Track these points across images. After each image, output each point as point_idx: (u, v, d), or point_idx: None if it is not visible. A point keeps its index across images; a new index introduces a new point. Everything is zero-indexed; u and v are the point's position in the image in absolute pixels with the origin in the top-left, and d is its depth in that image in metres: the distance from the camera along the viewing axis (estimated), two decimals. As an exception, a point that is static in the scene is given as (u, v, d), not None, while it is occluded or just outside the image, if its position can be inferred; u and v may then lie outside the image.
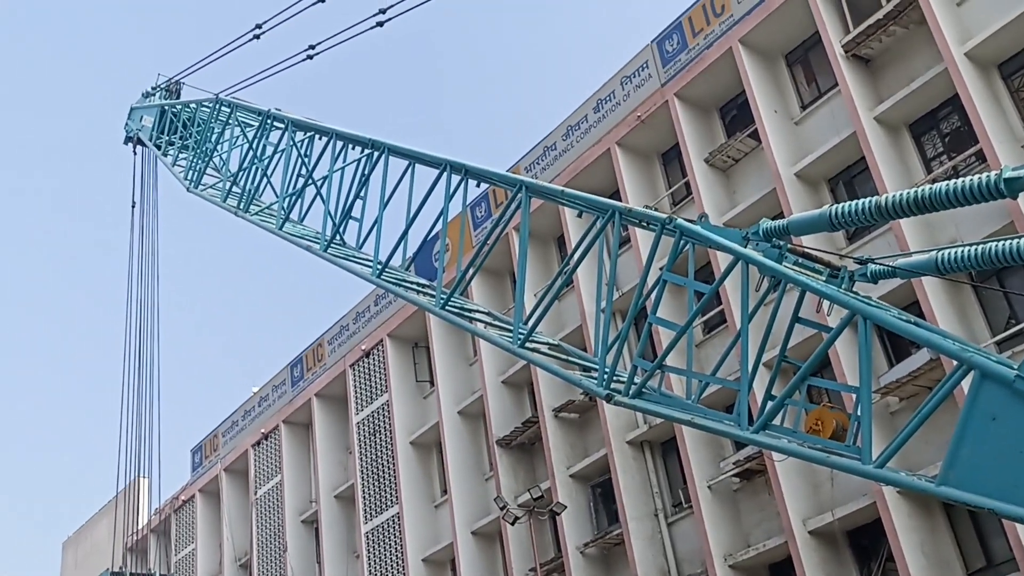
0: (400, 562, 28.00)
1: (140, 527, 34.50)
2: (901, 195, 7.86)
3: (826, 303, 8.29)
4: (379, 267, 12.96)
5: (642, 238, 22.94)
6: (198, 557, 37.23)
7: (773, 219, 8.84)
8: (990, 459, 6.75)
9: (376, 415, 30.42)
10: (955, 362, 7.14)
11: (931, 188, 7.68)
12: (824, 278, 8.46)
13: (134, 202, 21.40)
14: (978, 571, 17.82)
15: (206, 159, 18.35)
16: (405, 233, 12.66)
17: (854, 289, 8.42)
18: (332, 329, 34.08)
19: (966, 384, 7.05)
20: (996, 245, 8.02)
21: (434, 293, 12.22)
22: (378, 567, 28.79)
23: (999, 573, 17.32)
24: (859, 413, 7.86)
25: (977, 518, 17.69)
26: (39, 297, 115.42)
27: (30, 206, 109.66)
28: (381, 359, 30.66)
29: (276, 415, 35.00)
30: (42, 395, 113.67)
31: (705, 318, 22.15)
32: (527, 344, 10.85)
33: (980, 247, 8.13)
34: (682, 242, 9.19)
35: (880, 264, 8.69)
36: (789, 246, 8.58)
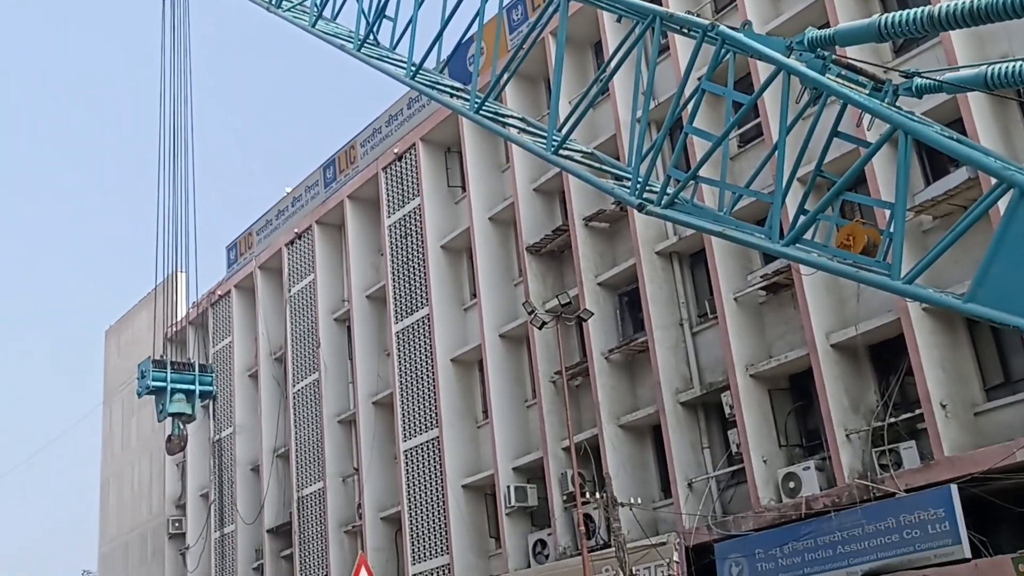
0: (429, 361, 28.81)
1: (178, 319, 35.62)
2: (955, 4, 7.56)
3: (867, 117, 8.14)
4: (413, 68, 12.75)
5: (682, 46, 22.33)
6: (235, 349, 38.49)
7: (819, 29, 8.57)
8: (1021, 278, 6.77)
9: (408, 218, 30.64)
10: (994, 180, 7.06)
11: (988, -2, 7.38)
12: (867, 91, 8.26)
13: (164, -5, 20.96)
14: (995, 387, 18.14)
15: (236, -49, 17.80)
16: (440, 34, 12.38)
17: (897, 104, 8.23)
18: (365, 131, 33.92)
19: (1003, 203, 6.98)
20: (1050, 61, 7.77)
21: (468, 97, 12.05)
22: (408, 365, 29.66)
23: (1016, 389, 17.64)
24: (892, 230, 7.84)
25: (1000, 335, 17.87)
26: (82, 96, 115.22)
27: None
28: (413, 163, 30.61)
29: (309, 215, 35.35)
30: (86, 191, 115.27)
31: (741, 130, 21.81)
32: (560, 151, 10.78)
33: (1033, 62, 7.87)
34: (723, 50, 8.95)
35: (926, 77, 8.46)
36: (834, 57, 8.34)
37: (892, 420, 18.76)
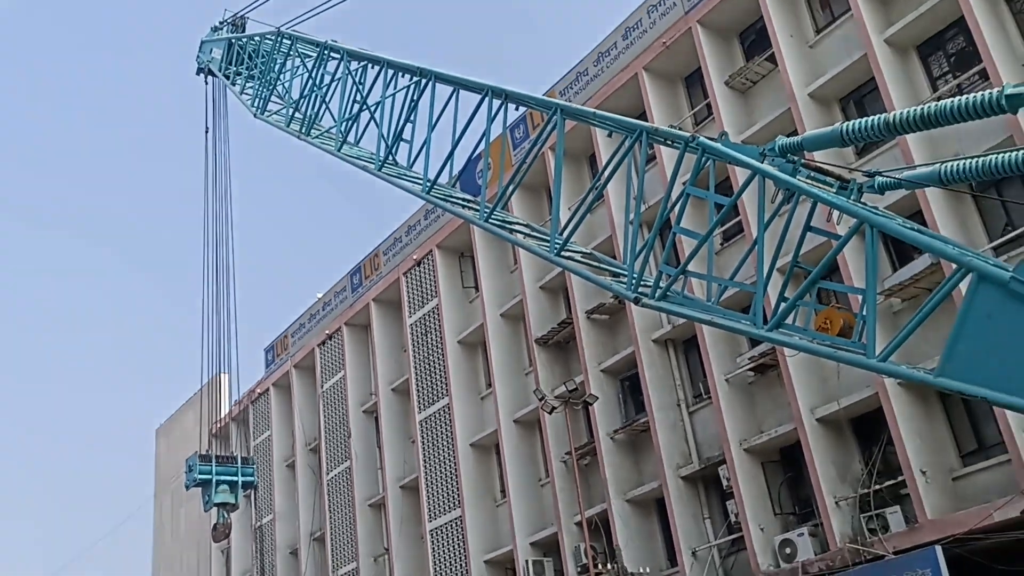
0: (450, 446, 28.57)
1: (222, 416, 35.40)
2: (908, 112, 7.69)
3: (836, 213, 8.20)
4: (428, 184, 12.95)
5: (667, 156, 22.64)
6: (273, 442, 38.23)
7: (788, 136, 8.70)
8: (984, 353, 6.73)
9: (427, 317, 30.74)
10: (954, 265, 7.07)
11: (936, 105, 7.50)
12: (835, 190, 8.34)
13: (208, 127, 21.44)
14: (970, 453, 17.86)
15: (270, 87, 18.27)
16: (451, 153, 12.61)
17: (862, 200, 8.30)
18: (387, 241, 34.26)
19: (964, 286, 6.98)
20: (996, 157, 7.85)
21: (478, 207, 12.21)
22: (431, 450, 29.41)
23: (989, 454, 17.35)
24: (864, 313, 7.83)
25: (970, 406, 17.66)
26: (139, 217, 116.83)
27: (127, 141, 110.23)
28: (431, 267, 30.85)
29: (338, 318, 35.47)
30: (139, 299, 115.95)
31: (724, 228, 21.95)
32: (563, 253, 10.86)
33: (980, 159, 7.96)
34: (704, 158, 9.09)
35: (887, 176, 8.55)
36: (803, 161, 8.45)
37: (877, 487, 18.43)
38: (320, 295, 38.04)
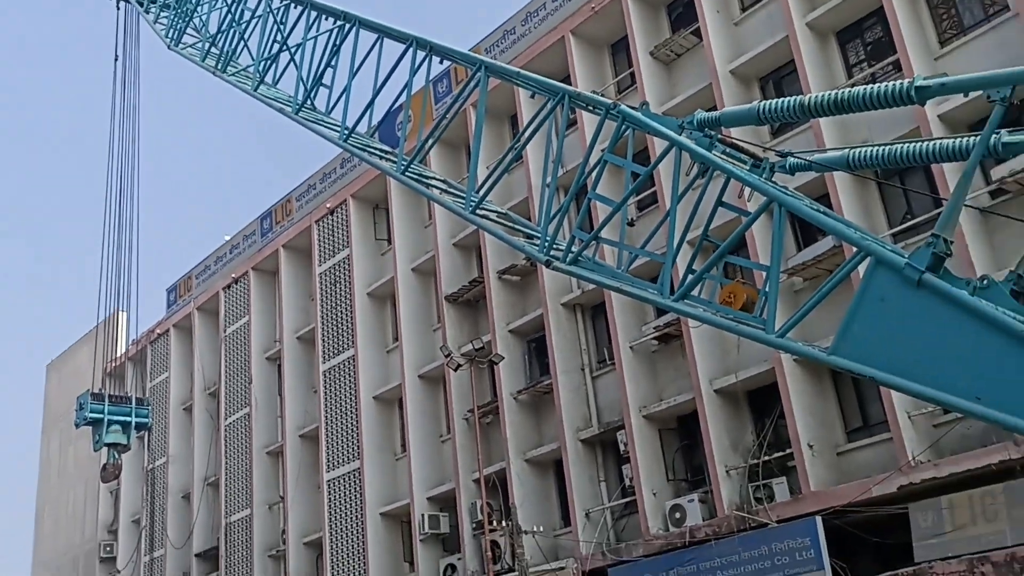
0: (353, 398, 28.45)
1: (118, 355, 34.51)
2: (823, 96, 7.85)
3: (747, 190, 8.36)
4: (346, 132, 12.73)
5: (587, 121, 22.72)
6: (171, 384, 37.47)
7: (708, 111, 8.80)
8: (875, 335, 6.96)
9: (337, 267, 30.41)
10: (855, 248, 7.29)
11: (850, 91, 7.67)
12: (748, 167, 8.49)
13: (117, 55, 20.62)
14: (855, 430, 18.61)
15: (186, 19, 17.64)
16: (371, 102, 12.40)
17: (773, 179, 8.47)
18: (300, 187, 33.67)
19: (862, 269, 7.21)
20: (902, 147, 8.10)
21: (395, 159, 12.06)
22: (333, 401, 29.26)
23: (873, 432, 18.12)
24: (767, 289, 8.02)
25: (859, 385, 18.38)
26: (33, 140, 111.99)
27: (25, 55, 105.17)
28: (344, 217, 30.47)
29: (246, 262, 34.80)
30: (35, 229, 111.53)
31: (639, 198, 22.21)
32: (478, 211, 10.83)
33: (888, 148, 8.19)
34: (623, 126, 9.13)
35: (798, 157, 8.74)
36: (719, 136, 8.57)
37: (766, 458, 19.07)
38: (228, 237, 37.24)
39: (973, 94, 7.12)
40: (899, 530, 16.62)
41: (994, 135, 7.15)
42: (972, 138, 7.49)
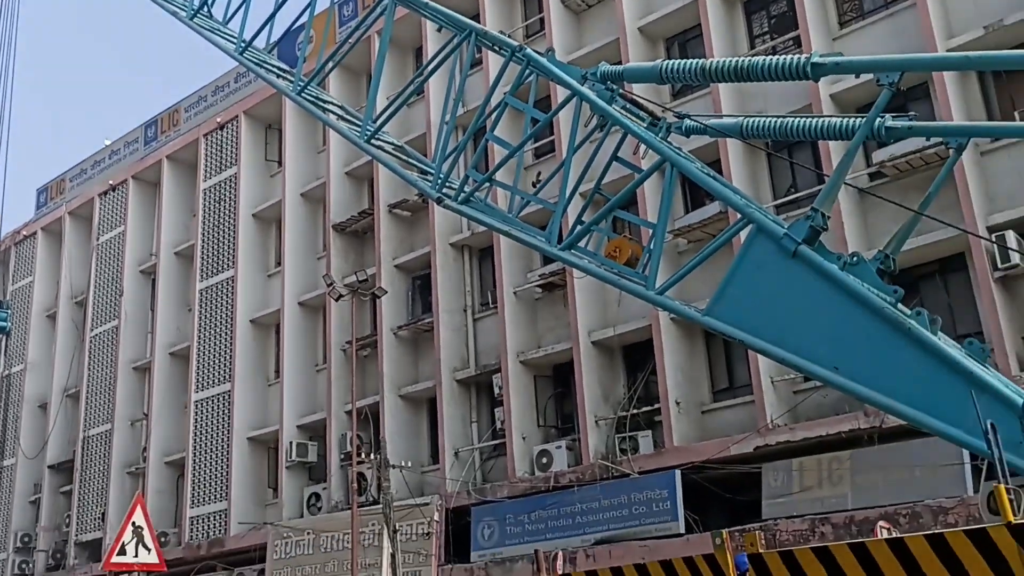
0: (229, 320, 27.89)
1: (-21, 255, 32.86)
2: (723, 62, 8.00)
3: (642, 148, 8.49)
4: (242, 44, 12.30)
5: (493, 63, 22.53)
6: (35, 289, 35.87)
7: (612, 65, 8.86)
8: (749, 300, 7.23)
9: (223, 185, 29.52)
10: (739, 215, 7.51)
11: (750, 60, 7.85)
12: (645, 125, 8.62)
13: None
14: (721, 390, 19.33)
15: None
16: (272, 17, 12.00)
17: (669, 140, 8.63)
18: (191, 98, 32.42)
19: (745, 235, 7.45)
20: (793, 121, 8.35)
21: (292, 79, 11.74)
22: (208, 321, 28.61)
23: (737, 393, 18.84)
24: (652, 247, 8.21)
25: (729, 347, 19.06)
26: None
27: None
28: (235, 133, 29.52)
29: (126, 170, 33.41)
30: None
31: (536, 145, 22.26)
32: (373, 141, 10.68)
33: (780, 120, 8.43)
34: (528, 71, 9.12)
35: (695, 120, 8.91)
36: (621, 91, 8.65)
37: (635, 411, 19.67)
38: (108, 142, 35.64)
39: (864, 77, 7.38)
40: (751, 488, 17.45)
41: (879, 119, 7.45)
42: (858, 119, 7.78)
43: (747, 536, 5.14)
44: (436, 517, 21.09)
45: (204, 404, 27.91)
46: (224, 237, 28.92)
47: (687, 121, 8.90)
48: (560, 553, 16.65)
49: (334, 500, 23.80)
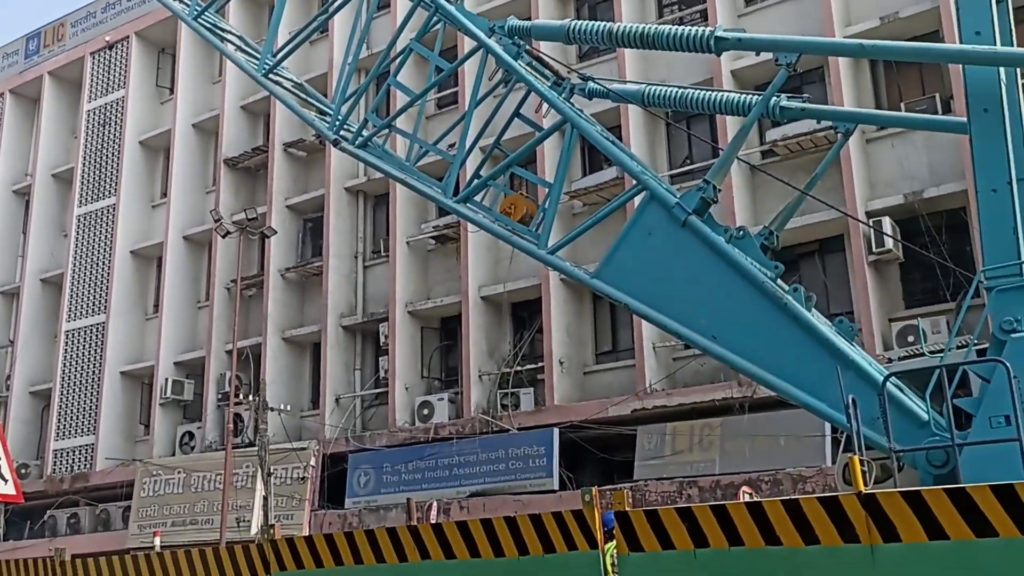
0: (108, 250, 26.88)
1: None
2: (630, 27, 8.08)
3: (544, 107, 8.52)
4: (138, -39, 11.73)
5: (400, 7, 22.16)
6: None
7: (521, 20, 8.82)
8: (637, 265, 7.40)
9: (109, 107, 28.27)
10: (634, 181, 7.64)
11: (656, 28, 7.94)
12: (550, 84, 8.64)
13: None
14: (604, 353, 19.75)
15: None
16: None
17: (572, 101, 8.68)
18: (79, 12, 30.76)
19: (638, 201, 7.59)
20: (694, 93, 8.52)
21: (190, 3, 11.28)
22: (84, 249, 27.51)
23: (619, 357, 19.29)
24: (547, 206, 8.29)
25: (614, 311, 19.43)
26: None
27: None
28: (124, 54, 28.23)
29: (3, 83, 31.57)
30: None
31: (440, 95, 22.05)
32: (271, 75, 10.39)
33: (681, 91, 8.59)
34: (435, 18, 9.01)
35: (598, 84, 8.98)
36: (527, 48, 8.64)
37: (518, 368, 19.91)
38: (-16, 52, 33.57)
39: (764, 55, 7.56)
40: (625, 449, 17.95)
41: (775, 98, 7.66)
42: (755, 97, 7.98)
43: (616, 495, 5.31)
44: (312, 462, 21.00)
45: (75, 334, 26.94)
46: (107, 162, 27.77)
47: (591, 84, 8.96)
48: (435, 503, 16.87)
49: (208, 440, 23.42)
